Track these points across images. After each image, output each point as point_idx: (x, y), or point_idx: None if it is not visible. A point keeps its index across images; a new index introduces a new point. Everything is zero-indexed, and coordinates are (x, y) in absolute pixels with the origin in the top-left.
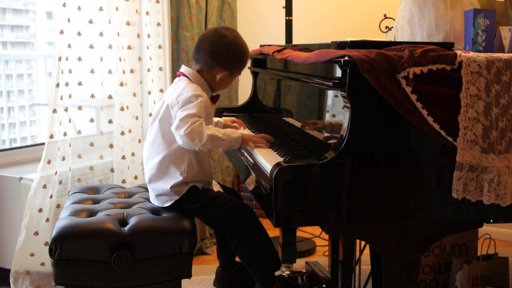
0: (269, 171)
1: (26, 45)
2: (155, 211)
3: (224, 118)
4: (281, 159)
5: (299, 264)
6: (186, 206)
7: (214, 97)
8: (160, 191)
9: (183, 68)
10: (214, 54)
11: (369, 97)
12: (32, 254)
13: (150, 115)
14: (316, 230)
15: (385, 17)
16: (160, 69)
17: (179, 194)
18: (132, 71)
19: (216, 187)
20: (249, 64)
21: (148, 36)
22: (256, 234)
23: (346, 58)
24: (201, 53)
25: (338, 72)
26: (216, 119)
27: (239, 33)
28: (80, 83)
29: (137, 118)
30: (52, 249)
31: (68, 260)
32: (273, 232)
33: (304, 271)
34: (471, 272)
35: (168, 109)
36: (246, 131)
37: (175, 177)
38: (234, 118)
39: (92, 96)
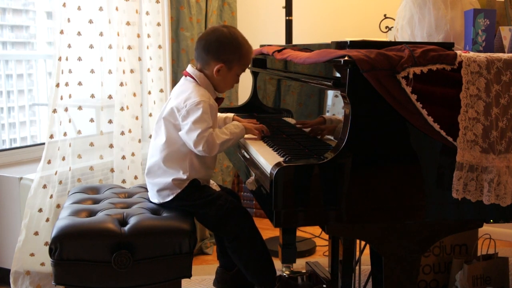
0: (269, 171)
1: (26, 45)
2: (155, 211)
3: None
4: (281, 159)
5: (299, 264)
6: (187, 202)
7: (219, 99)
8: (161, 186)
9: (189, 68)
10: (208, 47)
11: (369, 97)
12: (32, 254)
13: (150, 115)
14: (316, 230)
15: (385, 17)
16: (160, 69)
17: (180, 187)
18: (132, 71)
19: (214, 187)
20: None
21: (148, 36)
22: (253, 238)
23: (346, 58)
24: (198, 50)
25: (338, 72)
26: (224, 115)
27: (239, 31)
28: (80, 83)
29: (137, 118)
30: (52, 249)
31: (68, 260)
32: (273, 232)
33: (304, 271)
34: (471, 272)
35: (173, 111)
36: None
37: (177, 174)
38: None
39: (92, 96)
